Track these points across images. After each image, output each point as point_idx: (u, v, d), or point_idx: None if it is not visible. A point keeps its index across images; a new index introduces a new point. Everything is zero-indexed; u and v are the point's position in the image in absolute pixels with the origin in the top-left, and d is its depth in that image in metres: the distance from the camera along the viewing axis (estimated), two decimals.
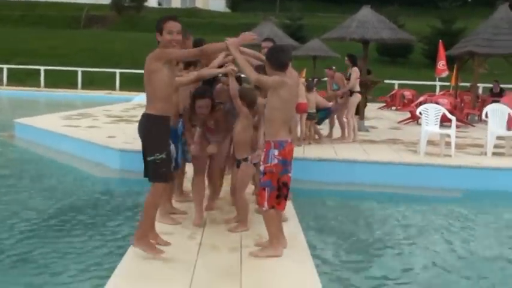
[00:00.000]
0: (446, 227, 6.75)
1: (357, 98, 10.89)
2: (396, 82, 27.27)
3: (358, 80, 10.72)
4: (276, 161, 4.21)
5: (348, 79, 10.83)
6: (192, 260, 4.29)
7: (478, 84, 19.71)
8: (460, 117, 14.62)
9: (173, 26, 4.25)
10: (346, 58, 10.93)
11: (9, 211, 6.68)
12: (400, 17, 45.66)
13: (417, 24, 45.68)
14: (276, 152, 4.20)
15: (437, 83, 24.42)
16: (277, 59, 4.28)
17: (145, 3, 57.49)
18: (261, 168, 4.31)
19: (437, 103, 12.96)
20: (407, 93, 21.64)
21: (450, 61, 19.11)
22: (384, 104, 22.65)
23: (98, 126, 11.95)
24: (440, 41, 19.26)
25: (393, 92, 23.37)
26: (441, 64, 17.91)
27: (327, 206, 7.58)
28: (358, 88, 10.81)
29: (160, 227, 4.80)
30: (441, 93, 20.11)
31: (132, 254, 4.32)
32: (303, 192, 7.13)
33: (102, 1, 61.12)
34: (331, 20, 44.78)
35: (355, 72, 10.71)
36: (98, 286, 4.16)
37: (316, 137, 10.66)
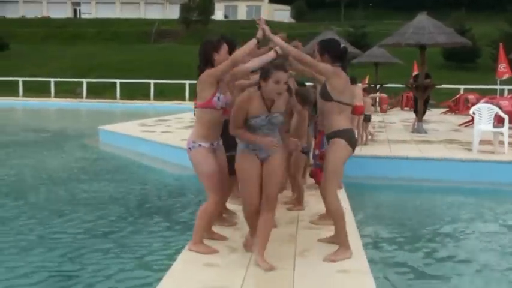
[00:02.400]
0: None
1: None
2: (462, 87, 27.19)
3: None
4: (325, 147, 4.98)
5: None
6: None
7: None
8: None
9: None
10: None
11: (102, 200, 7.78)
12: (467, 22, 45.09)
13: (485, 28, 44.92)
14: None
15: (506, 87, 24.22)
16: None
17: (212, 17, 59.39)
18: (316, 152, 5.11)
19: (498, 105, 13.26)
20: (472, 97, 21.59)
21: None
22: (448, 109, 22.72)
23: (171, 132, 13.06)
24: (501, 44, 19.33)
25: (457, 96, 23.36)
26: (502, 67, 18.02)
27: (381, 199, 8.25)
28: None
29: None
30: (509, 96, 20.04)
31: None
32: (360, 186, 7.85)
33: (171, 16, 63.80)
34: (395, 26, 44.78)
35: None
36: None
37: (370, 137, 11.22)
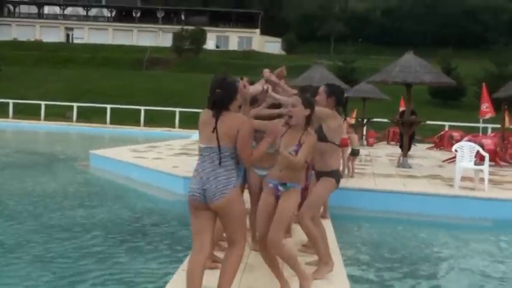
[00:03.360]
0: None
1: None
2: (447, 124, 27.86)
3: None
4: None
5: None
6: None
7: None
8: (503, 156, 15.20)
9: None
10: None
11: (91, 223, 7.97)
12: (453, 60, 46.22)
13: (472, 66, 46.03)
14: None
15: (489, 125, 24.83)
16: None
17: (204, 46, 60.19)
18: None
19: (480, 143, 13.72)
20: (456, 134, 22.15)
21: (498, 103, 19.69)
22: (433, 145, 23.24)
23: (162, 158, 13.31)
24: (484, 84, 19.96)
25: (442, 132, 23.92)
26: (485, 106, 18.59)
27: (364, 229, 8.53)
28: None
29: None
30: (492, 134, 20.57)
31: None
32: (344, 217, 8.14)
33: (163, 44, 64.53)
34: (383, 62, 45.71)
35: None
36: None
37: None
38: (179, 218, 8.57)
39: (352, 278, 5.23)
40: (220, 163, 3.81)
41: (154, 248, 6.86)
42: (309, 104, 4.32)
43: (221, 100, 3.89)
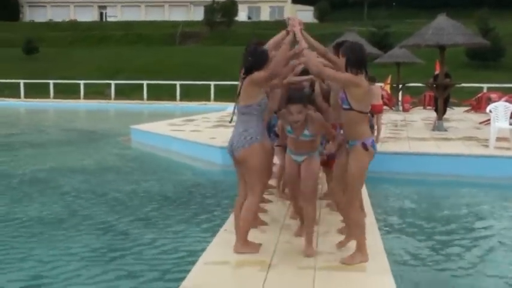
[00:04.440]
0: None
1: None
2: (485, 85, 27.36)
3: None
4: None
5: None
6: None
7: None
8: None
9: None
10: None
11: (134, 194, 8.44)
12: (491, 20, 44.97)
13: (509, 26, 44.75)
14: None
15: None
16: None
17: (236, 18, 60.05)
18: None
19: None
20: (494, 96, 21.76)
21: None
22: (470, 107, 22.95)
23: (200, 130, 13.68)
24: None
25: (479, 95, 23.56)
26: None
27: (398, 192, 8.75)
28: None
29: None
30: None
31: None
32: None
33: (195, 18, 64.69)
34: (418, 26, 44.79)
35: None
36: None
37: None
38: (217, 186, 8.97)
39: (387, 243, 5.16)
40: (241, 120, 4.50)
41: (193, 213, 7.27)
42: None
43: (251, 67, 4.39)
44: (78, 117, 25.97)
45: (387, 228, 6.53)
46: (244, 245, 4.56)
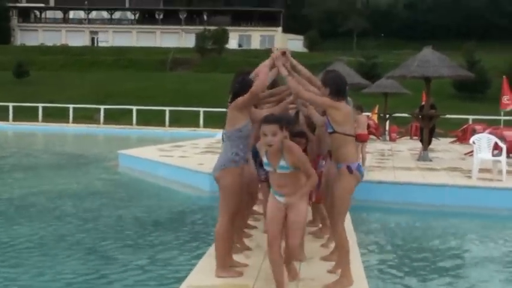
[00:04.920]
0: None
1: None
2: (470, 117, 27.81)
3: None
4: None
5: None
6: None
7: None
8: None
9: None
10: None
11: (121, 219, 8.46)
12: (477, 52, 45.86)
13: (495, 59, 45.61)
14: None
15: None
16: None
17: (226, 46, 60.64)
18: None
19: (502, 135, 13.89)
20: (479, 127, 22.04)
21: None
22: (456, 138, 23.24)
23: (188, 156, 13.76)
24: (504, 76, 20.00)
25: (464, 126, 23.90)
26: (506, 99, 18.65)
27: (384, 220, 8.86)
28: None
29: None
30: None
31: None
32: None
33: (186, 45, 65.24)
34: (406, 57, 45.57)
35: None
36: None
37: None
38: (205, 213, 9.02)
39: (369, 269, 5.36)
40: (225, 145, 4.65)
41: (181, 239, 7.31)
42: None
43: (237, 93, 4.60)
44: (67, 141, 25.97)
45: (370, 255, 6.61)
46: (223, 269, 4.60)
